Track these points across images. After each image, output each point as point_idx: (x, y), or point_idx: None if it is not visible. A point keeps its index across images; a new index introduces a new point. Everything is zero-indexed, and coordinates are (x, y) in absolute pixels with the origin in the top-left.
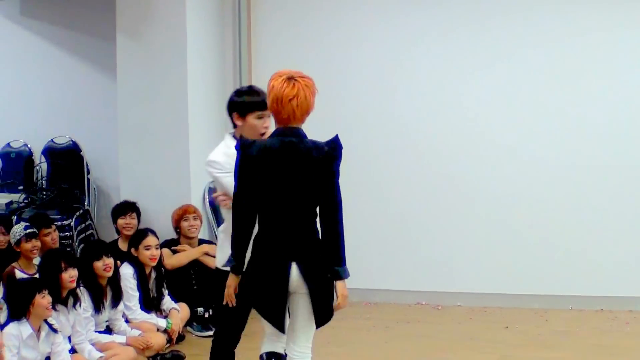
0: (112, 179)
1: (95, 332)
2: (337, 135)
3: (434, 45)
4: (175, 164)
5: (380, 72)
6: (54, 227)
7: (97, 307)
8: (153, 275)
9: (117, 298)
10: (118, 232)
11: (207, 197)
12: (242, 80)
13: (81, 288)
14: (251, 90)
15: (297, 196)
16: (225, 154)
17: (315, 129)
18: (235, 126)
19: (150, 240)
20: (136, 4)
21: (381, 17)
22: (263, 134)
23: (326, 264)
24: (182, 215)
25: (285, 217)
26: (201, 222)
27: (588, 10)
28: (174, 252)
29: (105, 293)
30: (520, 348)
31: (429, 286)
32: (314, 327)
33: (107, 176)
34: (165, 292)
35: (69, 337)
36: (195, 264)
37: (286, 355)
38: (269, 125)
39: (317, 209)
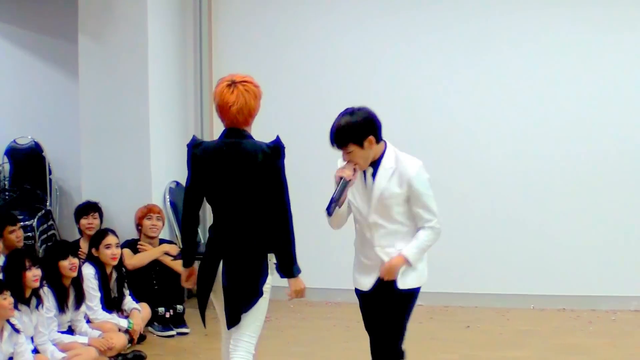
0: (74, 179)
1: (58, 332)
2: (278, 137)
3: (404, 43)
4: (136, 165)
5: (342, 70)
6: (19, 225)
7: (61, 308)
8: (114, 275)
9: (80, 299)
10: (80, 232)
11: (167, 197)
12: (202, 81)
13: (44, 288)
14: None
15: (236, 195)
16: None
17: (276, 127)
18: None
19: (110, 239)
20: (98, 5)
21: (346, 15)
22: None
23: (277, 263)
24: (146, 213)
25: (224, 214)
26: (163, 223)
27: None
28: (135, 252)
29: (68, 293)
30: (481, 347)
31: None
32: (250, 322)
33: (69, 177)
34: (127, 292)
35: (32, 338)
36: (156, 264)
37: None
38: (354, 161)
39: (263, 208)
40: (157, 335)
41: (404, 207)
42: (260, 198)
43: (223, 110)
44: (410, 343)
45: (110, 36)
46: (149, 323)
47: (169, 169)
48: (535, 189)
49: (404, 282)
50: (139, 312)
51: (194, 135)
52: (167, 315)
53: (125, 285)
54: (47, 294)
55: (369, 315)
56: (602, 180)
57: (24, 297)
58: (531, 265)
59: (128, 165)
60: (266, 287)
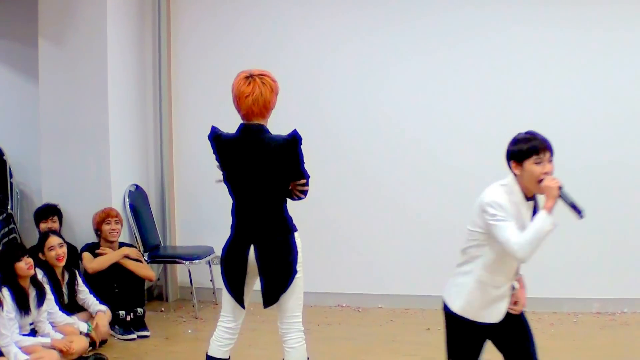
0: (34, 182)
1: (21, 334)
2: (295, 129)
3: (360, 44)
4: (96, 168)
5: (301, 71)
6: None
7: (22, 309)
8: (66, 277)
9: (42, 298)
10: None
11: (127, 200)
12: (161, 84)
13: (2, 291)
14: (527, 137)
15: (258, 182)
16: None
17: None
18: (515, 175)
19: (52, 240)
20: (58, 9)
21: (302, 14)
22: (541, 181)
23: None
24: (104, 218)
25: (247, 200)
26: (122, 226)
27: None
28: (96, 255)
29: (28, 294)
30: (443, 350)
31: (349, 288)
32: (293, 302)
33: (30, 180)
34: (85, 291)
35: None
36: (116, 267)
37: (228, 359)
38: (550, 170)
39: (283, 193)
40: (118, 339)
41: None
42: (280, 184)
43: (239, 100)
44: (371, 346)
45: (70, 40)
46: (111, 325)
47: (128, 172)
48: None
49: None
50: (104, 313)
51: (212, 126)
52: (128, 318)
53: (77, 283)
54: (5, 296)
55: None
56: (565, 183)
57: None
58: None
59: (88, 169)
60: (299, 266)
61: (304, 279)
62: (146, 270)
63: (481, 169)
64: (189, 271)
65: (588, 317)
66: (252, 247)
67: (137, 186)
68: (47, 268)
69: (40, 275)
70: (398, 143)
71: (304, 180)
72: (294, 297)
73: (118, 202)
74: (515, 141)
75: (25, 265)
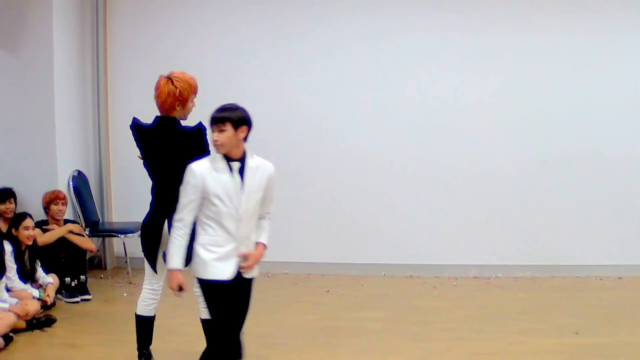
0: None
1: None
2: (200, 122)
3: (275, 43)
4: (44, 157)
5: (231, 71)
6: None
7: None
8: (28, 251)
9: (2, 270)
10: None
11: (71, 183)
12: (99, 85)
13: None
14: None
15: (171, 166)
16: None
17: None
18: None
19: (28, 222)
20: (9, 18)
21: (228, 18)
22: (218, 148)
23: None
24: (53, 199)
25: (163, 181)
26: (66, 206)
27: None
28: (44, 231)
29: None
30: (340, 309)
31: None
32: None
33: None
34: (38, 266)
35: None
36: (62, 240)
37: (154, 316)
38: (221, 140)
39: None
40: (65, 302)
41: (260, 200)
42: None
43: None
44: (279, 306)
45: (21, 47)
46: (58, 291)
47: (72, 160)
48: (385, 168)
49: (252, 272)
50: (52, 285)
51: (133, 117)
52: (73, 284)
53: (37, 260)
54: None
55: (229, 304)
56: (447, 156)
57: None
58: (382, 237)
59: (37, 158)
60: None
61: None
62: (87, 243)
63: (371, 146)
64: (124, 243)
65: (466, 281)
66: (166, 222)
67: (79, 172)
68: (16, 242)
69: (10, 248)
70: (300, 129)
71: None
72: None
73: (63, 185)
74: None
75: None
